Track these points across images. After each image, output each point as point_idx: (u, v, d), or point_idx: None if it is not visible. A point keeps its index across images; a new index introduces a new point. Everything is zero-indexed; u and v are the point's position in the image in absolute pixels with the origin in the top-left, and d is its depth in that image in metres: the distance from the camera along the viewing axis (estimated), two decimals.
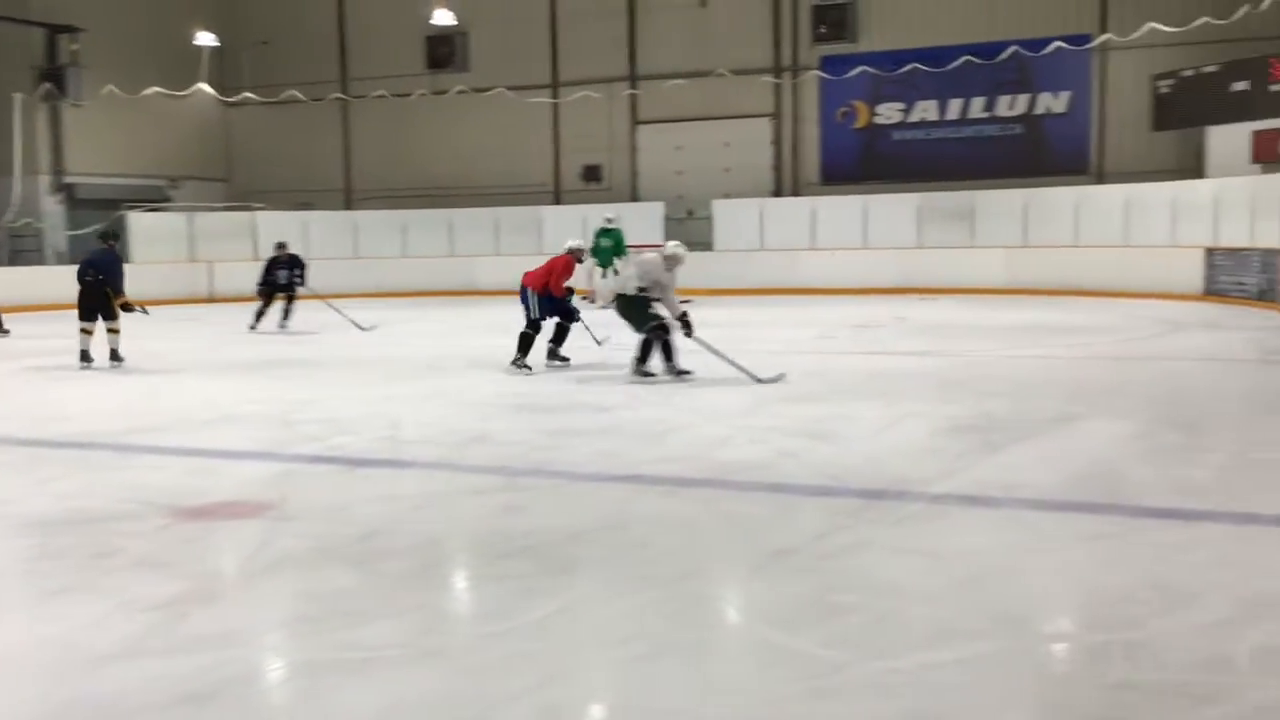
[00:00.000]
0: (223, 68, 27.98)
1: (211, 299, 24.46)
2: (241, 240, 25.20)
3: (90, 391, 10.76)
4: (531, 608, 4.28)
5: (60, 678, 3.71)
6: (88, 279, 12.24)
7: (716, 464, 6.84)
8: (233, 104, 27.87)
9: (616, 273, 20.12)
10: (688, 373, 10.37)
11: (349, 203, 28.27)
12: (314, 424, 8.54)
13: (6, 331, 16.74)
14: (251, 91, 26.76)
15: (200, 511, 5.86)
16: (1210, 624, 4.02)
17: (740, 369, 10.15)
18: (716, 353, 10.37)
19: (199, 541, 5.37)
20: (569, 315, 11.85)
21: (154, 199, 26.38)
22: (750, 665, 3.80)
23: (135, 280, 16.59)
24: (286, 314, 16.83)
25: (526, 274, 11.96)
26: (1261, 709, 3.35)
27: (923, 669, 3.65)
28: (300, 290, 16.98)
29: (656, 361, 10.42)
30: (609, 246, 20.14)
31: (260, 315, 16.78)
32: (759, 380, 9.97)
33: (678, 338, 10.44)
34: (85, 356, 12.16)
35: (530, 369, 11.28)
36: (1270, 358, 11.79)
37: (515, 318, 11.84)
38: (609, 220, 20.61)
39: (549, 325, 11.76)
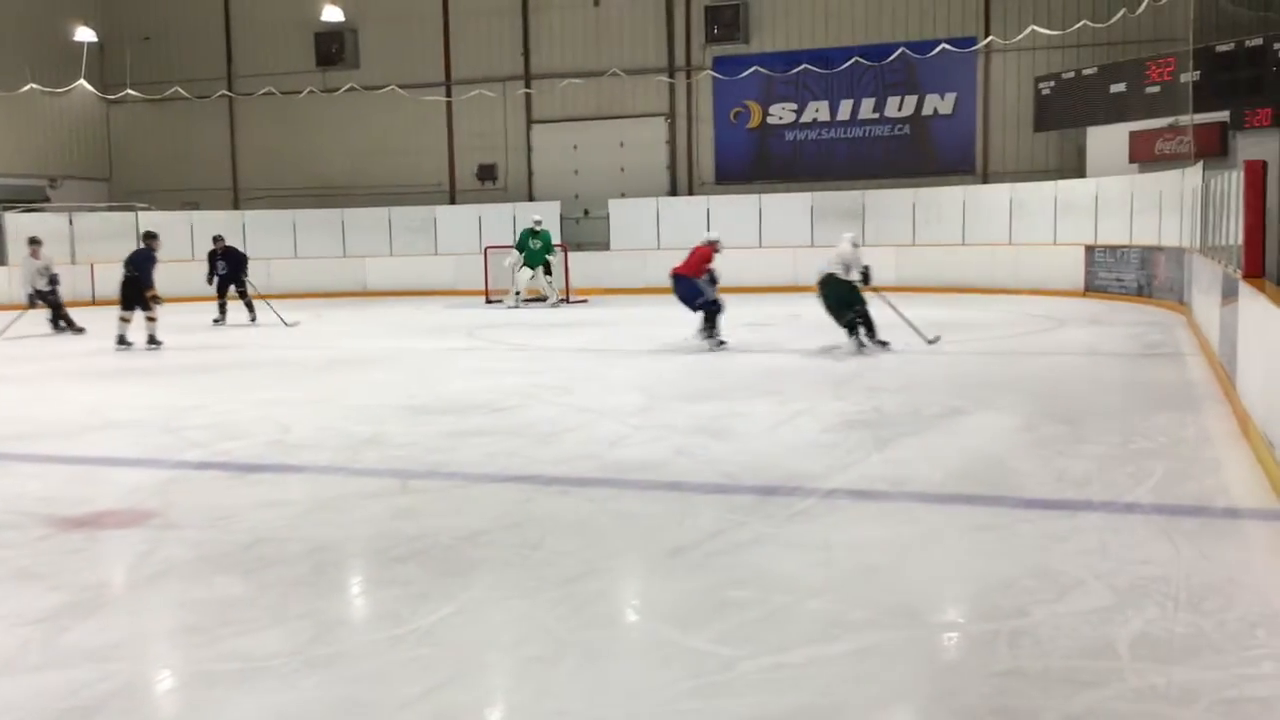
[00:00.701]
0: (104, 64, 27.20)
1: (94, 302, 23.75)
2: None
3: None
4: (425, 611, 4.24)
5: None
6: (127, 274, 14.30)
7: (612, 463, 6.85)
8: (114, 101, 27.11)
9: (549, 274, 20.34)
10: (886, 343, 12.21)
11: (236, 202, 27.70)
12: (201, 429, 8.34)
13: (81, 330, 16.60)
14: (134, 89, 26.02)
15: (81, 521, 5.69)
16: (1092, 611, 4.13)
17: (912, 327, 12.61)
18: (895, 309, 12.93)
19: (80, 552, 5.21)
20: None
21: (32, 199, 25.55)
22: (644, 664, 3.80)
23: (19, 281, 16.16)
24: (222, 311, 17.76)
25: (677, 267, 13.15)
26: (1141, 693, 3.45)
27: (814, 662, 3.70)
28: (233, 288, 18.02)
29: (862, 337, 12.27)
30: (539, 248, 20.26)
31: (224, 309, 17.72)
32: (927, 340, 12.38)
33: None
34: (122, 340, 13.98)
35: (726, 343, 12.72)
36: (1149, 352, 12.18)
37: (408, 318, 11.70)
38: (537, 222, 20.71)
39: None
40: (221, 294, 17.89)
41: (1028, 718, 3.29)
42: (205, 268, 18.15)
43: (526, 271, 20.33)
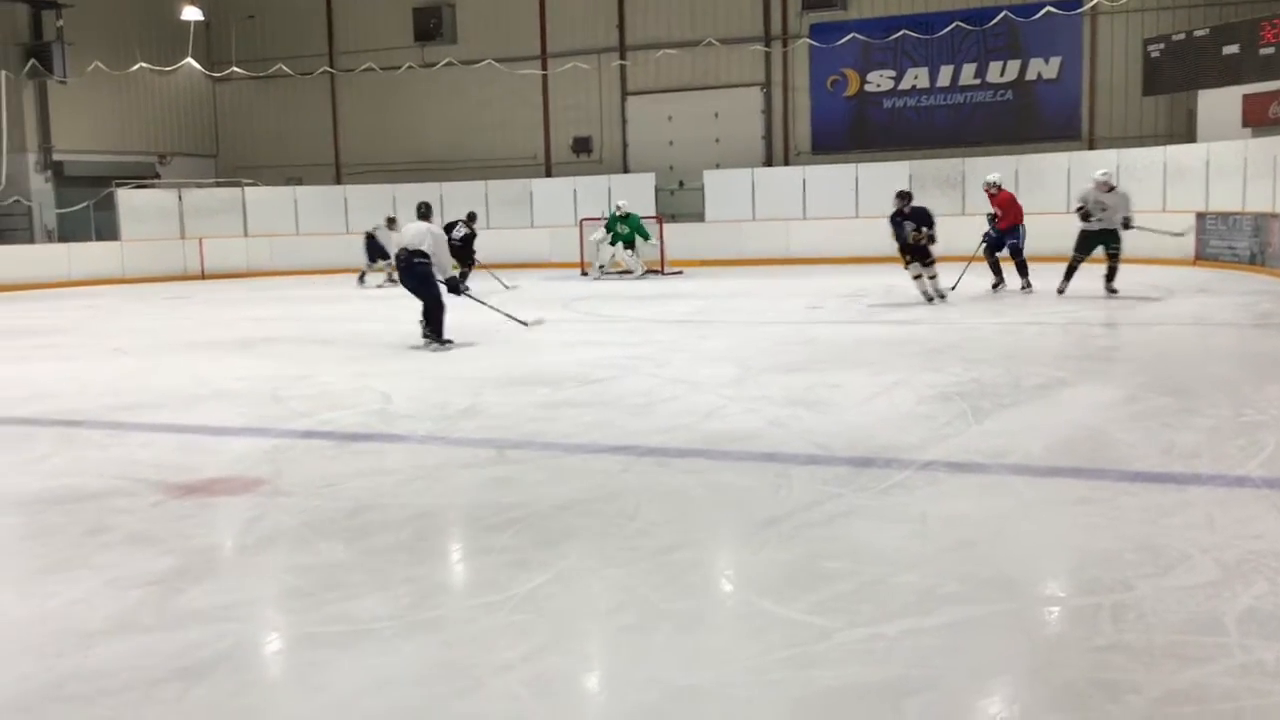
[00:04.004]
0: (210, 43, 27.85)
1: (203, 276, 24.41)
2: (231, 216, 25.14)
3: (79, 370, 10.74)
4: (522, 579, 4.30)
5: (52, 654, 3.72)
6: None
7: (706, 434, 6.86)
8: (220, 79, 27.73)
9: (630, 248, 20.49)
10: (1116, 291, 13.99)
11: (339, 177, 28.18)
12: (305, 399, 8.54)
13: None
14: (239, 66, 26.60)
15: (192, 488, 5.87)
16: (1198, 586, 4.04)
17: (1159, 231, 14.92)
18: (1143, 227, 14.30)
19: (190, 518, 5.37)
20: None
21: (143, 175, 26.28)
22: (739, 633, 3.82)
23: (131, 256, 16.48)
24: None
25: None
26: (1248, 668, 3.37)
27: (910, 634, 3.67)
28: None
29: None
30: (627, 233, 20.39)
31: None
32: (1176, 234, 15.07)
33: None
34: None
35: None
36: (1261, 322, 11.81)
37: (506, 291, 11.74)
38: (619, 207, 20.76)
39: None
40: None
41: (1130, 692, 3.23)
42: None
43: (608, 248, 20.56)
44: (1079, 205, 14.24)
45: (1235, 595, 3.92)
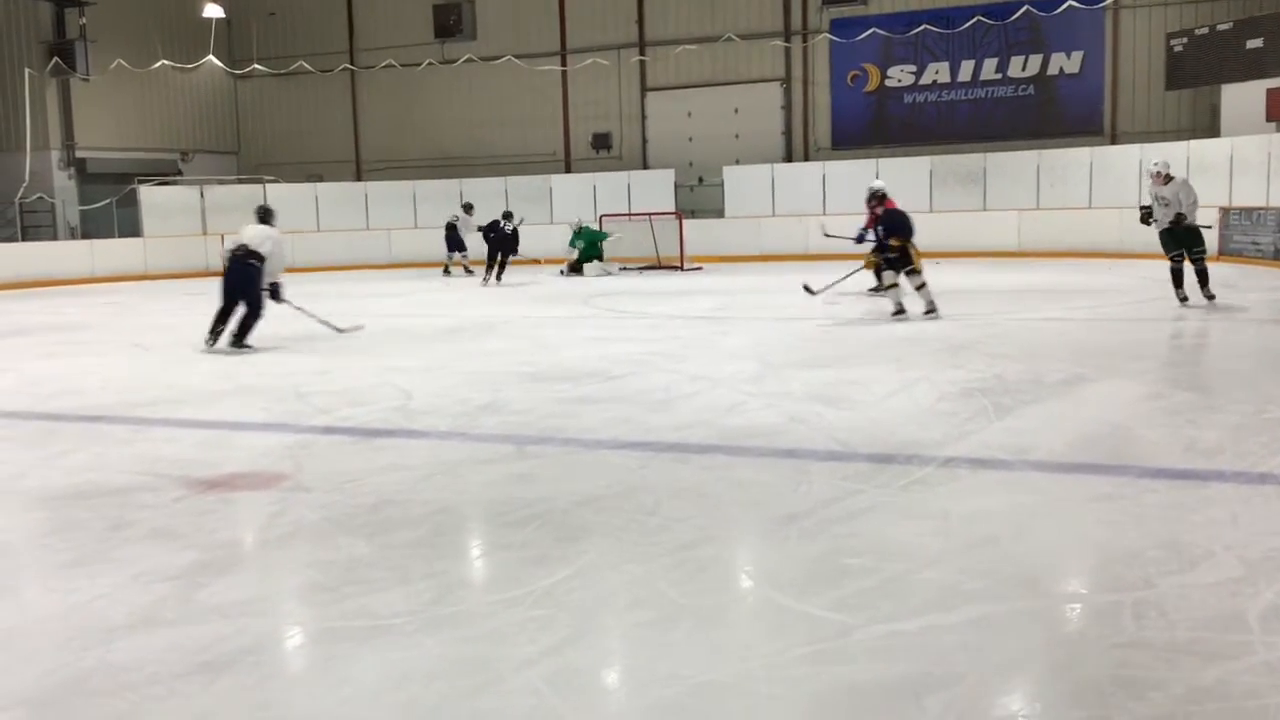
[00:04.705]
0: (231, 40, 27.96)
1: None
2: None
3: (101, 366, 10.81)
4: (542, 574, 4.30)
5: (76, 649, 3.75)
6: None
7: (726, 430, 6.85)
8: (242, 76, 27.86)
9: (600, 259, 21.12)
10: (1214, 297, 12.44)
11: (359, 174, 28.26)
12: (326, 395, 8.57)
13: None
14: (260, 63, 26.72)
15: (214, 483, 5.90)
16: (1221, 583, 4.02)
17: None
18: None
19: (213, 513, 5.40)
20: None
21: (165, 172, 26.40)
22: (758, 629, 3.81)
23: (153, 253, 16.53)
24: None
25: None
26: (1272, 667, 3.34)
27: (930, 631, 3.66)
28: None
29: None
30: (584, 246, 21.17)
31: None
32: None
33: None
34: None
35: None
36: None
37: (526, 287, 11.76)
38: (570, 224, 21.60)
39: None
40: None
41: (1152, 690, 3.21)
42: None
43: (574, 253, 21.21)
44: (1143, 206, 13.02)
45: (1258, 592, 3.90)
